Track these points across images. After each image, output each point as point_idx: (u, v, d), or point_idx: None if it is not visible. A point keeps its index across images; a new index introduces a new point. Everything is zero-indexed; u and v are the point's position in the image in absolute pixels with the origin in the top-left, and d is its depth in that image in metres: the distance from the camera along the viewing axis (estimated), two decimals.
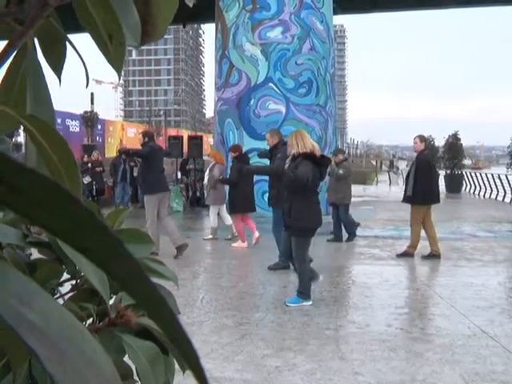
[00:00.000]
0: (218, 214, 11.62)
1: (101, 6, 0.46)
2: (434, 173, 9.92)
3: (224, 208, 11.52)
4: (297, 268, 6.68)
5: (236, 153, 10.48)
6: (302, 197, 6.46)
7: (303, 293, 6.53)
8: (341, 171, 11.20)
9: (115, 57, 0.53)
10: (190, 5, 0.61)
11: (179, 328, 0.33)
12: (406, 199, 9.73)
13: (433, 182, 9.64)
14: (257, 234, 10.47)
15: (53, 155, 0.41)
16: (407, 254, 9.54)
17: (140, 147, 10.20)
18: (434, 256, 9.41)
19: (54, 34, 0.56)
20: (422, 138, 9.82)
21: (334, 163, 11.06)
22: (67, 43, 0.59)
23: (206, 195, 12.10)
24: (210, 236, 11.63)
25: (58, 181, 0.41)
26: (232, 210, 10.52)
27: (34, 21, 0.43)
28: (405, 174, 11.07)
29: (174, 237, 9.44)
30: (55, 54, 0.60)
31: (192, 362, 0.34)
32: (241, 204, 10.28)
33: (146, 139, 9.91)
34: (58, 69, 0.63)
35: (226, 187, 11.07)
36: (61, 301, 0.83)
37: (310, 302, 6.50)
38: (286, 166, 6.84)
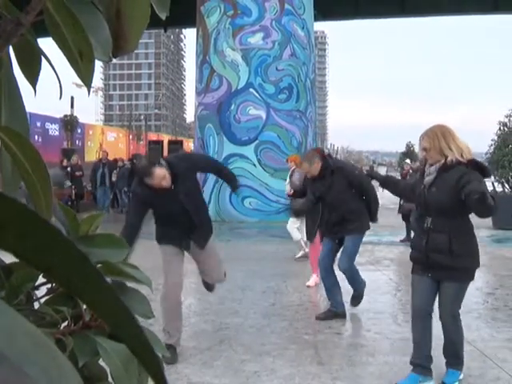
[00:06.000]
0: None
1: (72, 25, 0.48)
2: None
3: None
4: (450, 326, 4.34)
5: None
6: (465, 224, 4.48)
7: (461, 363, 4.44)
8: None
9: (85, 73, 0.55)
10: (163, 17, 0.64)
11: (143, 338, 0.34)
12: None
13: None
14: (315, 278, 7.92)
15: (27, 165, 0.43)
16: None
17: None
18: None
19: (30, 49, 0.58)
20: None
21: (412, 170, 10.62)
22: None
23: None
24: (301, 252, 9.78)
25: (32, 189, 0.43)
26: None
27: (9, 38, 0.45)
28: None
29: None
30: (31, 67, 0.62)
31: (153, 371, 0.35)
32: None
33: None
34: (33, 80, 0.65)
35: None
36: (36, 304, 0.84)
37: (462, 376, 4.44)
38: (428, 178, 4.36)
